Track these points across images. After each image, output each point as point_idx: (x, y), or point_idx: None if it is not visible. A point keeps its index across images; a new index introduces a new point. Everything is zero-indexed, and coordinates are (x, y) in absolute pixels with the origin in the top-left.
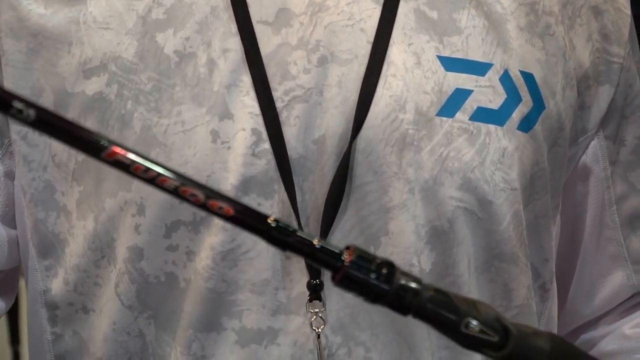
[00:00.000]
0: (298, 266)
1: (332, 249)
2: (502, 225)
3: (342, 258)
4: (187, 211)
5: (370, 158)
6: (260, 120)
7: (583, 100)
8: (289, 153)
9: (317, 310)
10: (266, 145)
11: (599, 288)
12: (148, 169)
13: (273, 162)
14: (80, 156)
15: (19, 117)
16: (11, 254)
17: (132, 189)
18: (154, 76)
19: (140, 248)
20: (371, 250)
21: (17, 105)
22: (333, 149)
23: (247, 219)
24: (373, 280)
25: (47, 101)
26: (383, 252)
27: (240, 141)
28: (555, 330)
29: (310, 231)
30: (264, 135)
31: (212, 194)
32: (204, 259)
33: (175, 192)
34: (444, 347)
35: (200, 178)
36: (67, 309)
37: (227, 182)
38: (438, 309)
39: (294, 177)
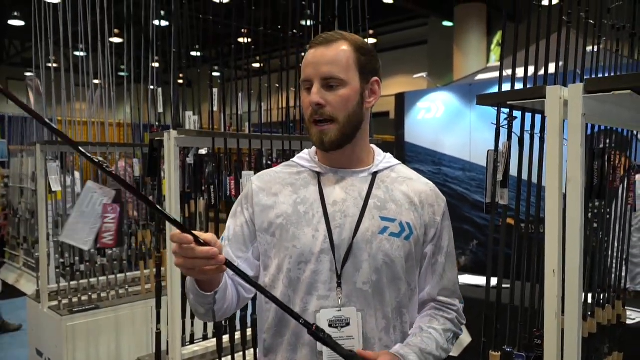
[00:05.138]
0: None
1: (310, 324)
2: (398, 267)
3: (313, 327)
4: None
5: (358, 246)
6: (327, 234)
7: (426, 233)
8: (334, 243)
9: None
10: (327, 240)
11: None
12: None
13: (330, 245)
14: (275, 238)
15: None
16: (258, 270)
17: (288, 252)
18: (297, 218)
19: (289, 269)
20: (357, 273)
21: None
22: (347, 242)
23: (293, 314)
24: (320, 335)
25: (264, 224)
26: (363, 274)
27: (320, 238)
28: (417, 304)
29: (338, 267)
30: (327, 237)
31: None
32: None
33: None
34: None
35: (308, 251)
36: (269, 287)
37: (316, 252)
38: (336, 346)
39: (335, 250)
